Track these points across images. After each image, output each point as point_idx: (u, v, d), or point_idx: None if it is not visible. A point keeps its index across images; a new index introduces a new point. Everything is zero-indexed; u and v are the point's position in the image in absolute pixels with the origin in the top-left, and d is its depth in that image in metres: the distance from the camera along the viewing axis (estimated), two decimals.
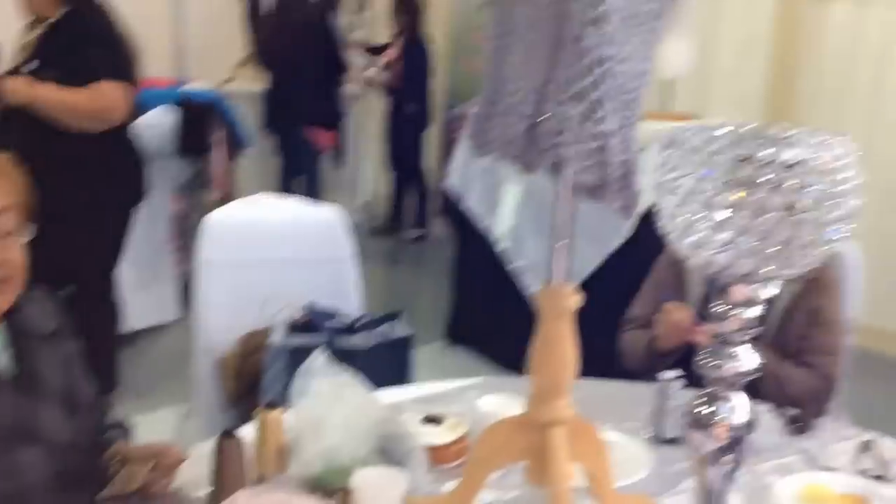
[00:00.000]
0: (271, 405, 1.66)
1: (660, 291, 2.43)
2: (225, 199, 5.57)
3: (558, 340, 1.38)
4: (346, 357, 1.94)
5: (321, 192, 5.94)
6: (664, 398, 1.83)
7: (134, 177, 3.41)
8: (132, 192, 3.42)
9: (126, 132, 3.36)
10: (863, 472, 1.72)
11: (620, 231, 3.99)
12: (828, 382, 2.12)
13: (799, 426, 1.89)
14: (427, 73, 6.58)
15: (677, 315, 2.20)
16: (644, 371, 2.35)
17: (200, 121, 5.38)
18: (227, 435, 1.56)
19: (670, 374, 1.86)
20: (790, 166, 1.05)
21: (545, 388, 1.39)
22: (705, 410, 1.19)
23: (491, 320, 4.57)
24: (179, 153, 4.78)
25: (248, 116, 6.00)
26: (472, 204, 4.57)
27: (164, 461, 1.52)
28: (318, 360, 1.76)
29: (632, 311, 2.51)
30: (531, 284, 4.36)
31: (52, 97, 3.01)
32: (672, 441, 1.83)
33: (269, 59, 6.01)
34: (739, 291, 1.13)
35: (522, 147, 1.25)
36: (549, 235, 4.10)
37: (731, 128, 1.15)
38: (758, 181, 1.06)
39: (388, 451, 1.61)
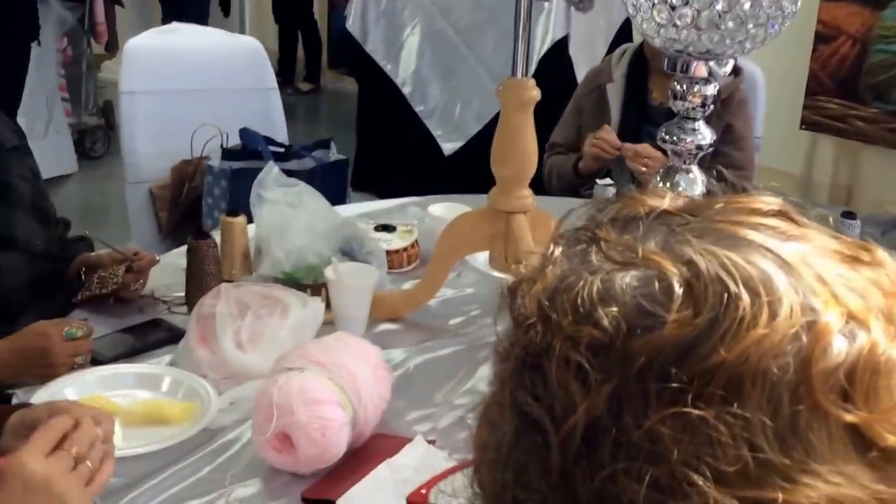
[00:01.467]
0: (233, 212, 1.71)
1: (581, 118, 2.54)
2: (109, 47, 5.35)
3: (520, 132, 1.46)
4: None
5: None
6: None
7: (28, 8, 3.26)
8: (27, 24, 3.28)
9: None
10: None
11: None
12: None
13: None
14: None
15: (606, 133, 2.32)
16: (568, 192, 2.48)
17: None
18: (201, 235, 1.61)
19: (605, 180, 1.98)
20: None
21: (508, 179, 1.49)
22: (665, 184, 1.30)
23: (393, 165, 4.63)
24: None
25: None
26: (373, 49, 4.55)
27: (137, 263, 1.56)
28: (272, 172, 1.80)
29: (554, 138, 2.61)
30: (435, 127, 4.43)
31: None
32: None
33: None
34: (700, 68, 1.24)
35: None
36: (450, 78, 4.14)
37: None
38: None
39: (351, 252, 1.68)
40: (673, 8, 1.16)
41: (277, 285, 1.52)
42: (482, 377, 1.45)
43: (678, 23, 1.17)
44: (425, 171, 4.46)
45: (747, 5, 1.15)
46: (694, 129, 1.27)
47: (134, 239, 2.49)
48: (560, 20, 4.01)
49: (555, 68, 4.18)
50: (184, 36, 2.56)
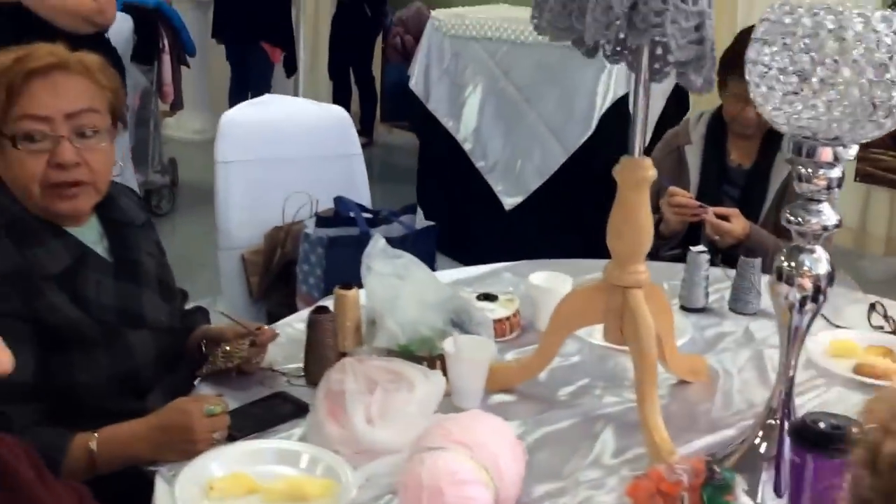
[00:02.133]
0: (346, 285, 1.76)
1: (660, 178, 2.57)
2: (174, 107, 5.48)
3: (636, 209, 1.50)
4: None
5: None
6: (695, 270, 1.99)
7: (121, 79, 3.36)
8: None
9: (105, 36, 3.30)
10: (876, 329, 1.92)
11: (588, 127, 4.13)
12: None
13: None
14: None
15: (682, 197, 2.36)
16: (650, 254, 2.52)
17: (149, 26, 5.25)
18: (321, 310, 1.66)
19: (699, 247, 2.01)
20: (879, 35, 1.18)
21: (623, 254, 1.52)
22: (790, 263, 1.33)
23: (454, 221, 4.68)
24: (134, 60, 4.67)
25: (190, 23, 5.88)
26: (435, 107, 4.64)
27: (260, 338, 1.61)
28: (379, 243, 1.85)
29: None
30: (495, 183, 4.49)
31: None
32: (702, 310, 2.00)
33: None
34: (826, 153, 1.27)
35: (620, 29, 1.34)
36: (511, 134, 4.19)
37: (822, 5, 1.26)
38: (851, 51, 1.18)
39: (461, 324, 1.72)
40: (804, 98, 1.20)
41: (397, 359, 1.56)
42: (604, 450, 1.47)
43: (810, 112, 1.21)
44: (486, 226, 4.52)
45: (881, 95, 1.18)
46: (819, 211, 1.30)
47: (225, 303, 2.56)
48: (621, 79, 4.06)
49: (615, 124, 4.23)
50: (275, 107, 2.64)
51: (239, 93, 5.89)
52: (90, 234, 1.54)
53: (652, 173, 1.49)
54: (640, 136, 1.50)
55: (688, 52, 1.33)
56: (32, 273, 1.41)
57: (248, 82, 5.81)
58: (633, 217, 1.51)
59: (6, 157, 1.44)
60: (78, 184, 1.47)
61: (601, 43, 1.50)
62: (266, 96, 2.69)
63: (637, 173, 1.49)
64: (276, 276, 2.47)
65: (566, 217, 4.19)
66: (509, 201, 4.43)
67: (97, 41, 3.11)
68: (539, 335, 1.88)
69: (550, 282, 1.90)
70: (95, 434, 1.35)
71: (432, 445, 1.23)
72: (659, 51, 1.42)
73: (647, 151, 4.07)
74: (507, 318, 1.86)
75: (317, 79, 7.13)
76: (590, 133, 4.16)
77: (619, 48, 1.52)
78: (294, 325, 1.85)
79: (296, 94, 7.10)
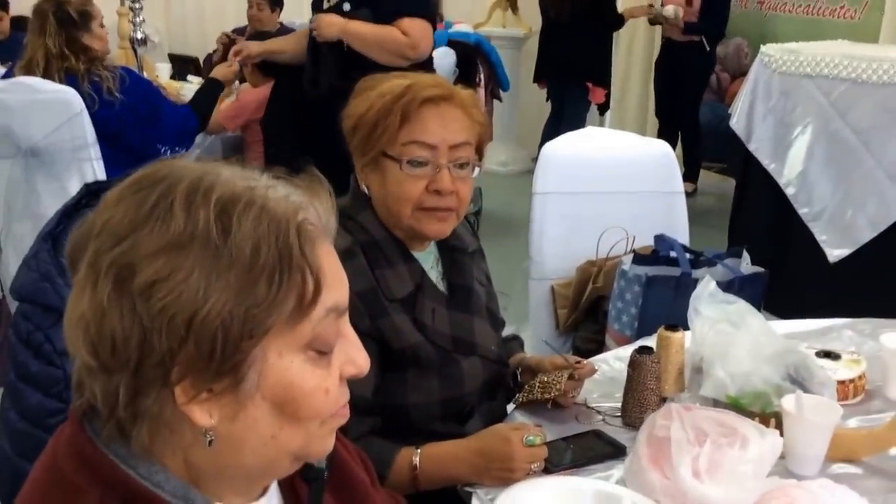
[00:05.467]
0: (672, 326, 1.66)
1: None
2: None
3: None
4: None
5: None
6: None
7: None
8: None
9: (433, 70, 3.44)
10: None
11: None
12: None
13: None
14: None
15: None
16: None
17: (470, 61, 5.45)
18: (645, 350, 1.57)
19: None
20: None
21: None
22: None
23: (770, 271, 4.38)
24: None
25: (505, 59, 6.06)
26: (756, 147, 4.38)
27: (579, 372, 1.55)
28: (709, 287, 1.74)
29: None
30: (820, 232, 4.16)
31: (362, 30, 3.11)
32: None
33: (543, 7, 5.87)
34: None
35: None
36: (842, 181, 3.86)
37: None
38: None
39: (800, 381, 1.56)
40: None
41: (728, 412, 1.43)
42: None
43: None
44: (806, 279, 4.18)
45: None
46: None
47: (532, 333, 2.53)
48: None
49: None
50: (597, 140, 2.60)
51: (554, 129, 5.94)
52: (427, 258, 1.57)
53: None
54: None
55: None
56: (379, 294, 1.45)
57: (560, 120, 5.85)
58: None
59: (385, 176, 1.48)
60: (448, 209, 1.50)
61: None
62: (588, 128, 2.65)
63: None
64: (586, 311, 2.40)
65: None
66: (835, 253, 4.08)
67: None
68: (888, 403, 1.68)
69: None
70: (418, 450, 1.36)
71: None
72: None
73: None
74: (852, 381, 1.67)
75: (623, 117, 7.05)
76: None
77: None
78: (610, 362, 1.78)
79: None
